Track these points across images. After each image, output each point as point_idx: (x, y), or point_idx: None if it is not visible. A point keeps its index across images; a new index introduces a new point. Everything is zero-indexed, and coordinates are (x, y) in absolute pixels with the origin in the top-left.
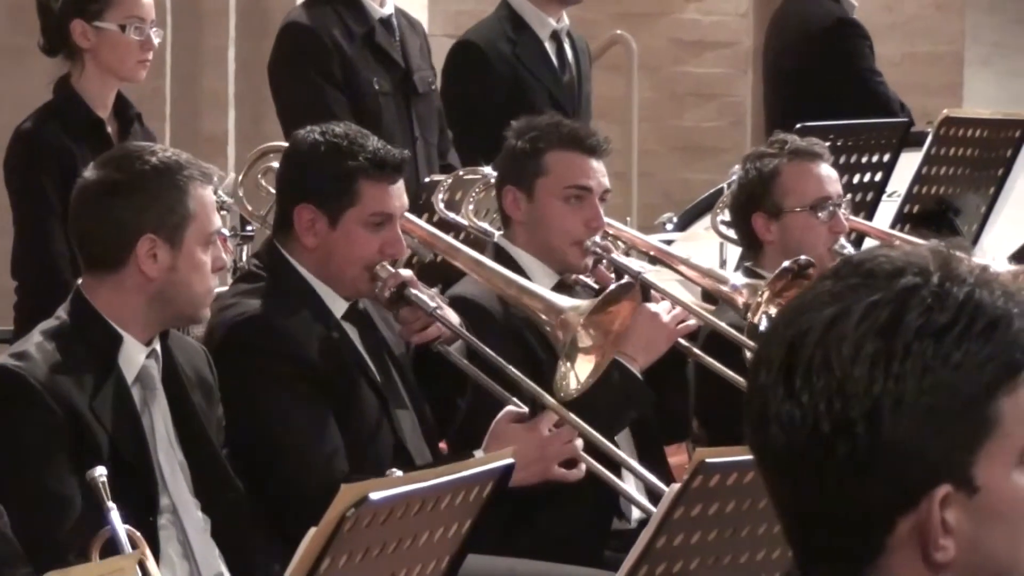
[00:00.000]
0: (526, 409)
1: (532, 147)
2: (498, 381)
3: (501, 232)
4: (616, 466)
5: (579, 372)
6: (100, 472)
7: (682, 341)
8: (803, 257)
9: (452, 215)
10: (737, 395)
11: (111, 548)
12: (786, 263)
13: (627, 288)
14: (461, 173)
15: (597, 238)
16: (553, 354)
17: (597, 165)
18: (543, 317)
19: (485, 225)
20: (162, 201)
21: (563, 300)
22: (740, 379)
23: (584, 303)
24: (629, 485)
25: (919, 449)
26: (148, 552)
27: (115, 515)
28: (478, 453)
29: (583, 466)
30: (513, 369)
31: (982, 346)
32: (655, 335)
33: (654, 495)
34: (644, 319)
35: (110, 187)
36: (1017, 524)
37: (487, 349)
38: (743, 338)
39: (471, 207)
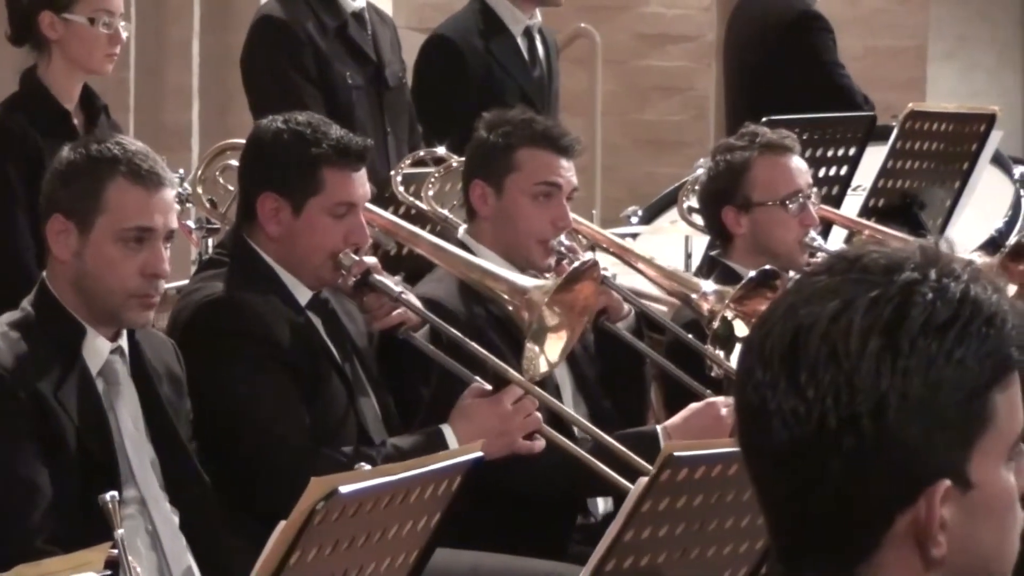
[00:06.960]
0: (490, 387)
1: (504, 142)
2: (465, 364)
3: (465, 228)
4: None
5: (549, 352)
6: (112, 496)
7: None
8: (768, 267)
9: (425, 206)
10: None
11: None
12: (752, 273)
13: (589, 266)
14: (422, 153)
15: (563, 238)
16: (518, 353)
17: (567, 164)
18: (507, 298)
19: (446, 213)
20: (78, 185)
21: (526, 280)
22: (699, 386)
23: (548, 282)
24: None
25: (922, 444)
26: (129, 558)
27: (123, 543)
28: (445, 427)
29: (542, 440)
30: (476, 346)
31: (981, 342)
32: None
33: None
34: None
35: (52, 171)
36: (1004, 519)
37: (453, 330)
38: (700, 344)
39: (431, 192)
